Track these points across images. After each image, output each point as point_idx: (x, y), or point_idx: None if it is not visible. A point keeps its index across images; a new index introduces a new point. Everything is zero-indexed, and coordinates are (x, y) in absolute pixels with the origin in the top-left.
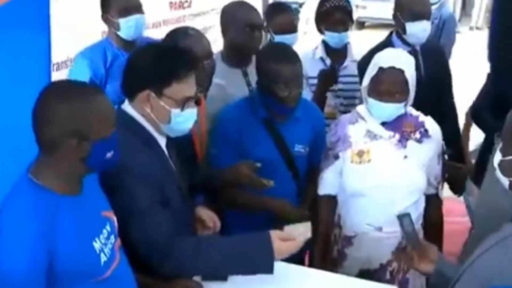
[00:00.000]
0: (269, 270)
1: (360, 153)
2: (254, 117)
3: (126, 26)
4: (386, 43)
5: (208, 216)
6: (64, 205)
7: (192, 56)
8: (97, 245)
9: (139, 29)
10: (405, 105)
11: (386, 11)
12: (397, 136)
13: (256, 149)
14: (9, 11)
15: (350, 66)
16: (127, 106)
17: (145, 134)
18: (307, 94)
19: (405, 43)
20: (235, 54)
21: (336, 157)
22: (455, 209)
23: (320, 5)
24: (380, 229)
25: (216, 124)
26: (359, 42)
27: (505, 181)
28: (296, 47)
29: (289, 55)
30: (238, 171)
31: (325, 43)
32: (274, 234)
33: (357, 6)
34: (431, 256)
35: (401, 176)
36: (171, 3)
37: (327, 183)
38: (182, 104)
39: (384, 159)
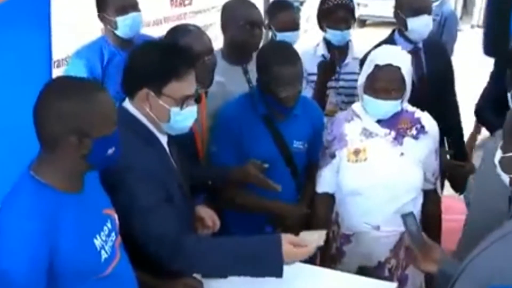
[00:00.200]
0: (278, 273)
1: (356, 152)
2: (253, 114)
3: (124, 25)
4: (388, 41)
5: (207, 215)
6: (65, 202)
7: (191, 54)
8: (97, 242)
9: (136, 27)
10: (402, 102)
11: (387, 9)
12: (393, 133)
13: (256, 145)
14: (10, 9)
15: (351, 64)
16: (128, 104)
17: (146, 132)
18: (308, 91)
19: (408, 40)
20: (235, 52)
21: (333, 156)
22: (455, 207)
23: (323, 2)
24: (378, 227)
25: (216, 121)
26: (360, 40)
27: (505, 178)
28: (297, 45)
29: (289, 56)
30: (246, 172)
31: (326, 41)
32: (285, 238)
33: (358, 4)
34: (435, 255)
35: (398, 174)
36: (172, 0)
37: (325, 182)
38: (181, 102)
39: (381, 157)
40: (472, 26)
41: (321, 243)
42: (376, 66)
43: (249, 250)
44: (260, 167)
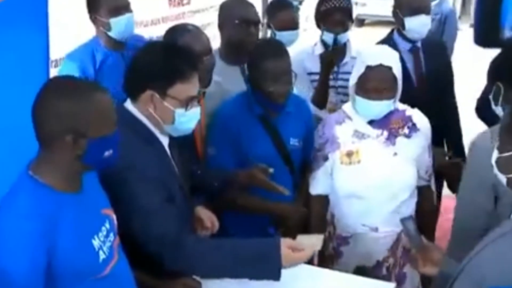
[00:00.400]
0: (276, 277)
1: (349, 154)
2: (250, 113)
3: (118, 26)
4: (387, 41)
5: (206, 216)
6: (64, 202)
7: (195, 55)
8: (96, 242)
9: (130, 28)
10: (394, 101)
11: (385, 9)
12: (385, 133)
13: (254, 144)
14: (8, 8)
15: (349, 63)
16: (129, 105)
17: (147, 133)
18: (308, 89)
19: (407, 40)
20: (232, 51)
21: (326, 158)
22: (453, 207)
23: (320, 3)
24: (376, 229)
25: (214, 121)
26: (358, 39)
27: (502, 178)
28: (295, 44)
29: (276, 51)
30: (252, 176)
31: (323, 41)
32: (284, 242)
33: (356, 4)
34: (435, 258)
35: (393, 174)
36: (170, 0)
37: (319, 184)
38: (186, 104)
39: (374, 159)
40: (471, 25)
41: (319, 247)
42: (368, 67)
43: (249, 252)
44: (265, 171)
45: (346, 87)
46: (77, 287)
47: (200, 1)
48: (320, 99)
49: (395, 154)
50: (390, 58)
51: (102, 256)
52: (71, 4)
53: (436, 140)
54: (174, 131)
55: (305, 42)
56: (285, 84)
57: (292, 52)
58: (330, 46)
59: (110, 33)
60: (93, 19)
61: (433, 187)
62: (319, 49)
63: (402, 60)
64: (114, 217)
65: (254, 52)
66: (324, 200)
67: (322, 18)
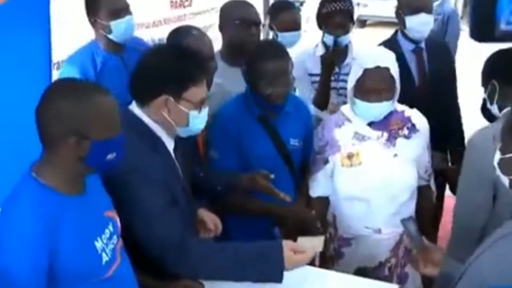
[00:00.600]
0: (278, 279)
1: (350, 156)
2: (249, 115)
3: (118, 29)
4: (391, 41)
5: (209, 219)
6: (67, 204)
7: (204, 58)
8: (98, 244)
9: (130, 30)
10: (393, 102)
11: (387, 9)
12: (385, 135)
13: (254, 145)
14: (10, 10)
15: (351, 64)
16: (134, 108)
17: (151, 136)
18: (310, 91)
19: (410, 40)
20: (233, 52)
21: (326, 161)
22: None
23: (321, 5)
24: (379, 231)
25: (214, 123)
26: (360, 40)
27: (505, 179)
28: (297, 45)
29: (274, 53)
30: (254, 181)
31: (325, 43)
32: (286, 244)
33: (358, 4)
34: (436, 258)
35: (394, 175)
36: (171, 2)
37: (319, 186)
38: (200, 105)
39: (375, 160)
40: None
41: (320, 249)
42: (365, 69)
43: (251, 254)
44: (266, 177)
45: (347, 88)
46: None
47: (201, 2)
48: (321, 100)
49: (396, 155)
50: (387, 59)
51: (105, 258)
52: (73, 6)
53: (437, 142)
54: (186, 132)
55: (305, 44)
56: (284, 85)
57: (293, 54)
58: (330, 48)
59: (110, 36)
60: (93, 22)
61: (433, 187)
62: (320, 51)
63: (404, 60)
64: (117, 219)
65: (252, 54)
66: (324, 201)
67: (323, 20)
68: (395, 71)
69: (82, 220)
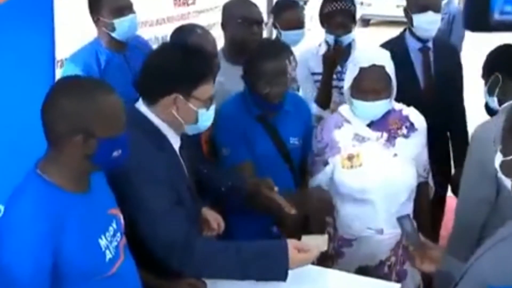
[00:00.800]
0: (282, 277)
1: (350, 157)
2: (248, 114)
3: (121, 27)
4: (398, 39)
5: (213, 218)
6: (71, 202)
7: (212, 56)
8: (102, 242)
9: (134, 28)
10: (390, 101)
11: (391, 9)
12: (385, 135)
13: (254, 145)
14: (13, 8)
15: None
16: (141, 106)
17: (158, 135)
18: (313, 89)
19: (418, 39)
20: (235, 50)
21: (326, 163)
22: None
23: (323, 5)
24: (381, 231)
25: (217, 123)
26: (364, 39)
27: (507, 182)
28: (300, 44)
29: (272, 53)
30: (258, 189)
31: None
32: (290, 243)
33: (362, 4)
34: (433, 255)
35: (394, 175)
36: (175, 0)
37: None
38: (209, 103)
39: (375, 161)
40: None
41: (325, 248)
42: (361, 69)
43: (256, 253)
44: (271, 187)
45: None
46: (84, 287)
47: (205, 1)
48: (324, 99)
49: (395, 155)
50: (382, 58)
51: (108, 255)
52: (77, 4)
53: (442, 147)
54: (194, 130)
55: (310, 42)
56: (281, 85)
57: (297, 52)
58: (331, 47)
59: (113, 34)
60: (96, 20)
61: (431, 183)
62: (323, 50)
63: (410, 60)
64: (121, 216)
65: (250, 53)
66: None
67: (325, 20)
68: (390, 69)
69: (86, 218)
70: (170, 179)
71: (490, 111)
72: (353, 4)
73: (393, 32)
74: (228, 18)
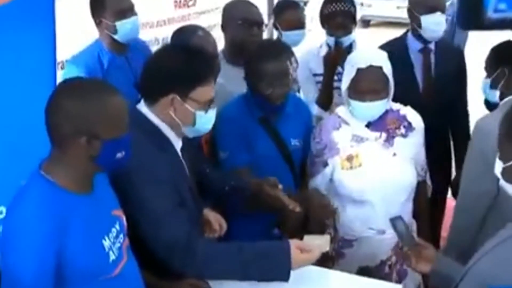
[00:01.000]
0: (285, 278)
1: (350, 158)
2: (250, 116)
3: (124, 29)
4: (399, 40)
5: (214, 219)
6: (75, 203)
7: (213, 58)
8: (106, 243)
9: (135, 30)
10: (387, 101)
11: (391, 10)
12: (384, 135)
13: (256, 147)
14: (14, 9)
15: None
16: (142, 107)
17: (159, 136)
18: (314, 91)
19: (419, 40)
20: (235, 52)
21: (325, 164)
22: None
23: (323, 6)
24: (383, 232)
25: (218, 125)
26: (364, 40)
27: (510, 188)
28: (301, 44)
29: (273, 53)
30: (261, 188)
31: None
32: (293, 243)
33: (362, 4)
34: (428, 255)
35: (394, 174)
36: (175, 1)
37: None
38: (207, 106)
39: (375, 161)
40: None
41: (327, 248)
42: (359, 69)
43: (258, 253)
44: (275, 186)
45: None
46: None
47: (205, 2)
48: (325, 100)
49: (394, 154)
50: (379, 58)
51: (112, 256)
52: (78, 5)
53: (442, 148)
54: (193, 132)
55: (311, 43)
56: (283, 86)
57: (298, 53)
58: (332, 48)
59: (115, 36)
60: (98, 23)
61: (429, 182)
62: (324, 51)
63: (410, 62)
64: (124, 218)
65: (250, 54)
66: None
67: (325, 21)
68: (388, 69)
69: (90, 219)
70: (172, 180)
71: (490, 107)
72: (353, 5)
73: (394, 33)
74: (228, 19)
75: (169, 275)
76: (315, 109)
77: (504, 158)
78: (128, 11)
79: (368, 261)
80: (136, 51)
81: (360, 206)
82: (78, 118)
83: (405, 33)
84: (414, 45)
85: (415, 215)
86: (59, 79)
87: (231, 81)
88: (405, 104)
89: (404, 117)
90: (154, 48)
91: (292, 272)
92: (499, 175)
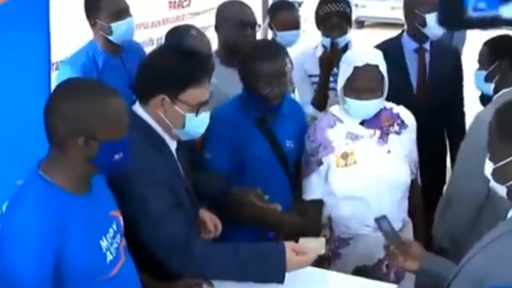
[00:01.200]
0: (279, 280)
1: (344, 156)
2: (246, 117)
3: (119, 30)
4: (394, 40)
5: (210, 219)
6: (73, 203)
7: (207, 60)
8: (103, 244)
9: (130, 32)
10: (382, 99)
11: (385, 11)
12: (378, 133)
13: (251, 148)
14: (9, 10)
15: None
16: (138, 108)
17: (155, 137)
18: (310, 92)
19: (415, 40)
20: (229, 52)
21: (320, 163)
22: None
23: (319, 7)
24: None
25: (210, 126)
26: (358, 41)
27: (502, 190)
28: (296, 45)
29: (269, 53)
30: (244, 197)
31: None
32: (288, 245)
33: (356, 5)
34: (415, 253)
35: (389, 171)
36: (170, 2)
37: (312, 189)
38: (197, 108)
39: (369, 158)
40: None
41: (322, 251)
42: (356, 68)
43: (254, 255)
44: (261, 197)
45: None
46: None
47: (200, 3)
48: (320, 101)
49: (389, 151)
50: (376, 57)
51: (109, 257)
52: (72, 6)
53: (436, 148)
54: (184, 135)
55: (305, 44)
56: (280, 86)
57: (292, 54)
58: (328, 49)
59: (111, 37)
60: (93, 24)
61: (419, 180)
62: (320, 52)
63: (404, 61)
64: (121, 218)
65: (246, 54)
66: (319, 204)
67: (321, 22)
68: (383, 68)
69: (88, 219)
70: (169, 181)
71: (484, 101)
72: (349, 6)
73: (388, 33)
74: (222, 20)
75: (167, 276)
76: (310, 109)
77: (494, 159)
78: (123, 13)
79: (365, 260)
80: (130, 52)
81: (356, 203)
82: (76, 119)
83: (401, 33)
84: (409, 45)
85: (411, 213)
86: (53, 80)
87: (225, 82)
88: (398, 104)
89: (397, 115)
90: (148, 49)
91: (289, 273)
92: (489, 176)
